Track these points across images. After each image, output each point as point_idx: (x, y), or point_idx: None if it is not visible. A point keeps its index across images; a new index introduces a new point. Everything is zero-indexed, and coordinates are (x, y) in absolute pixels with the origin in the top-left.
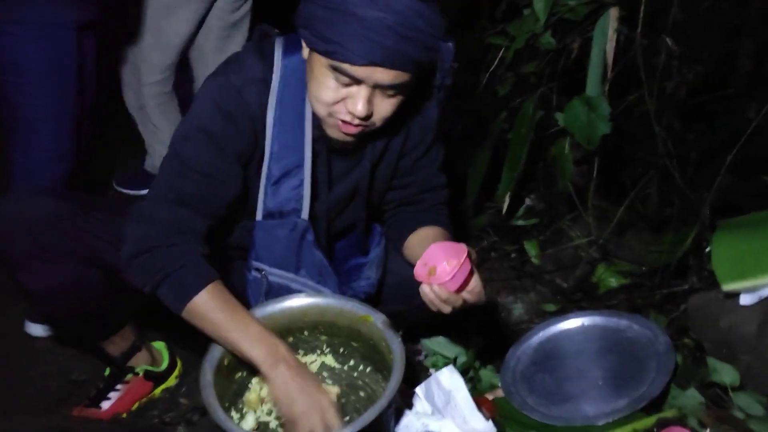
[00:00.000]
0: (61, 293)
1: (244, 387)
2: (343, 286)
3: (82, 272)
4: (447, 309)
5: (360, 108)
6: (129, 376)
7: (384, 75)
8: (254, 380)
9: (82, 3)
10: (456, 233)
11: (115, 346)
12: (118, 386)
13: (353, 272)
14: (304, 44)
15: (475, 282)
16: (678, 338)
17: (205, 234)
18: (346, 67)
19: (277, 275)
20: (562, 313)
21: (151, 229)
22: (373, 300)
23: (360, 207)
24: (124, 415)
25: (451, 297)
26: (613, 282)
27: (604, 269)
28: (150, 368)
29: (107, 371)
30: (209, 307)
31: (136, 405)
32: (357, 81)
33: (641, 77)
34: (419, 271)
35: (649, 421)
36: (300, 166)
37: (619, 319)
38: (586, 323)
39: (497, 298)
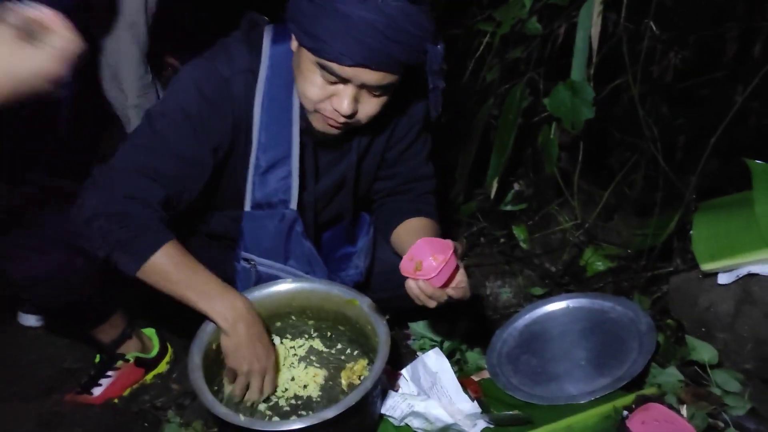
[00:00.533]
0: (47, 282)
1: None
2: (332, 275)
3: (68, 259)
4: (432, 304)
5: (345, 107)
6: (120, 363)
7: (371, 76)
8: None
9: None
10: (445, 220)
11: (105, 334)
12: (109, 373)
13: (342, 261)
14: (293, 36)
15: (461, 277)
16: (660, 319)
17: (164, 204)
18: (333, 66)
19: (266, 265)
20: (549, 296)
21: (110, 195)
22: (361, 287)
23: (347, 198)
24: (116, 401)
25: (437, 293)
26: (600, 265)
27: (591, 253)
28: (140, 355)
29: (97, 358)
30: (166, 266)
31: (127, 391)
32: (343, 80)
33: (626, 62)
34: (405, 266)
35: (629, 398)
36: (288, 156)
37: (603, 300)
38: (570, 305)
39: (486, 283)
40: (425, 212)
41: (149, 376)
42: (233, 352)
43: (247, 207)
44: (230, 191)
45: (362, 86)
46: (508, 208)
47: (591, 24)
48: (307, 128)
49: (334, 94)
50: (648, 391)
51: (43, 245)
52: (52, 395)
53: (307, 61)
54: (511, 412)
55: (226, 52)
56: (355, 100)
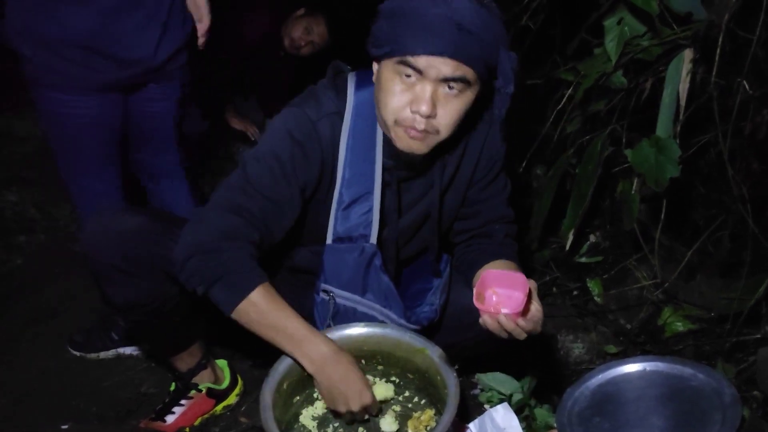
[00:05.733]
0: (142, 307)
1: (301, 409)
2: (407, 311)
3: (161, 287)
4: (504, 334)
5: (424, 107)
6: (193, 393)
7: (445, 66)
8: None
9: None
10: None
11: (183, 362)
12: (183, 402)
13: (417, 297)
14: (374, 67)
15: (535, 310)
16: (746, 390)
17: (257, 244)
18: (409, 58)
19: (344, 298)
20: (625, 355)
21: (206, 233)
22: (432, 327)
23: (431, 233)
24: (187, 430)
25: (509, 324)
26: (680, 326)
27: (670, 312)
28: (212, 386)
29: (173, 386)
30: (259, 308)
31: (198, 420)
32: (420, 73)
33: (715, 118)
34: (476, 299)
35: None
36: (370, 192)
37: (683, 366)
38: (648, 368)
39: (557, 336)
40: (508, 255)
41: (219, 408)
42: (327, 395)
43: (329, 240)
44: (314, 226)
45: (438, 81)
46: (583, 260)
47: (679, 80)
48: (391, 166)
49: (413, 100)
50: None
51: (141, 272)
52: (129, 419)
53: (387, 72)
54: None
55: (315, 98)
56: (434, 99)
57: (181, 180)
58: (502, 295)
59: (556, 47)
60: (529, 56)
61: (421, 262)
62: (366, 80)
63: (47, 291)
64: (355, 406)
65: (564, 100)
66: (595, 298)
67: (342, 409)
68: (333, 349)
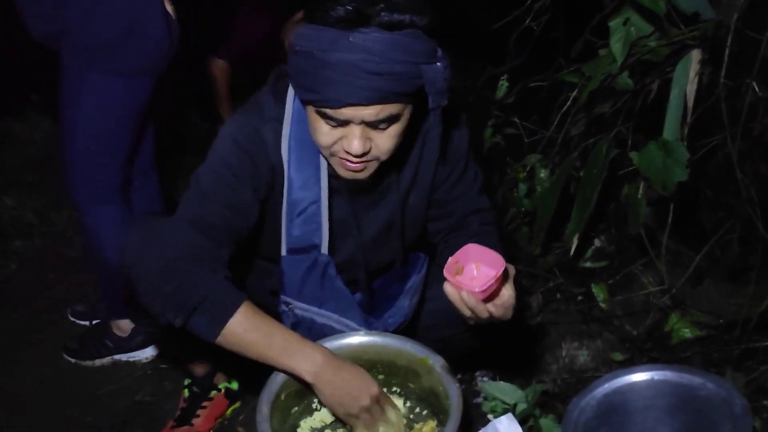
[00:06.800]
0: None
1: (299, 421)
2: (375, 319)
3: None
4: (468, 313)
5: (355, 146)
6: (213, 393)
7: (368, 112)
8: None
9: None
10: (522, 272)
11: (201, 366)
12: (204, 403)
13: (388, 302)
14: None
15: (507, 297)
16: (756, 400)
17: (226, 260)
18: (329, 111)
19: (302, 309)
20: (631, 362)
21: (171, 254)
22: (408, 330)
23: (396, 242)
24: None
25: (477, 306)
26: (688, 333)
27: (677, 319)
28: (229, 386)
29: (186, 392)
30: (244, 328)
31: (218, 422)
32: (344, 123)
33: (724, 120)
34: (449, 268)
35: None
36: (317, 201)
37: (692, 375)
38: (655, 377)
39: (562, 343)
40: (488, 243)
41: (229, 410)
42: (333, 402)
43: (283, 252)
44: (272, 239)
45: (365, 123)
46: (588, 264)
47: (687, 81)
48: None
49: (343, 137)
50: None
51: None
52: (124, 429)
53: (311, 112)
54: None
55: (257, 104)
56: (365, 137)
57: (155, 181)
58: (482, 271)
59: (560, 49)
60: (532, 59)
61: (393, 271)
62: None
63: (42, 297)
64: (365, 400)
65: (568, 102)
66: (600, 303)
67: (354, 410)
68: (327, 354)
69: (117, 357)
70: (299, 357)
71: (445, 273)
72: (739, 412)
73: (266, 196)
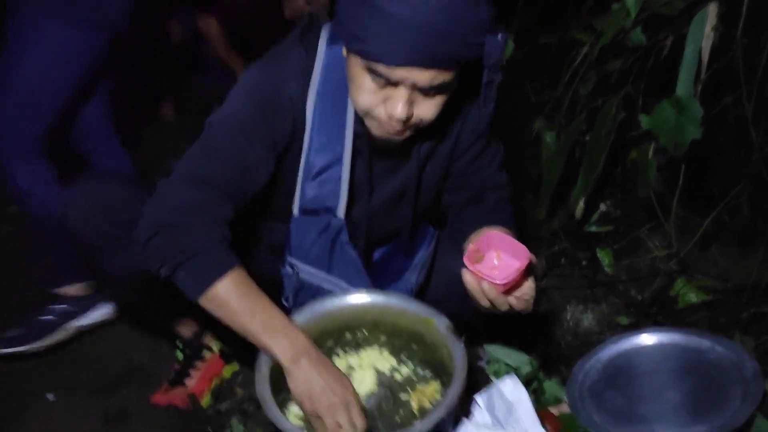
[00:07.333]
0: (139, 275)
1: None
2: (381, 290)
3: None
4: (486, 304)
5: (399, 111)
6: (207, 353)
7: (421, 75)
8: None
9: None
10: (527, 237)
11: (186, 328)
12: (197, 364)
13: (394, 276)
14: (343, 50)
15: (527, 289)
16: (766, 364)
17: (228, 220)
18: (381, 68)
19: (308, 273)
20: (636, 327)
21: (169, 208)
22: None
23: (406, 211)
24: (207, 396)
25: (498, 298)
26: (694, 297)
27: (684, 283)
28: (223, 346)
29: (179, 353)
30: (230, 295)
31: (214, 383)
32: (393, 83)
33: (738, 79)
34: (468, 256)
35: None
36: (338, 162)
37: (701, 338)
38: (663, 340)
39: (567, 306)
40: (503, 221)
41: (228, 370)
42: (305, 391)
43: (295, 212)
44: (285, 197)
45: (415, 87)
46: (593, 229)
47: (703, 37)
48: (363, 133)
49: (387, 98)
50: None
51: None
52: (120, 389)
53: (356, 66)
54: None
55: (281, 55)
56: (410, 103)
57: (115, 143)
58: (504, 260)
59: (571, 6)
60: (542, 16)
61: (399, 241)
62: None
63: (40, 259)
64: (337, 404)
65: (578, 59)
66: (606, 268)
67: (322, 409)
68: (311, 343)
69: (75, 323)
70: (281, 337)
71: (465, 261)
72: (750, 375)
73: (282, 154)
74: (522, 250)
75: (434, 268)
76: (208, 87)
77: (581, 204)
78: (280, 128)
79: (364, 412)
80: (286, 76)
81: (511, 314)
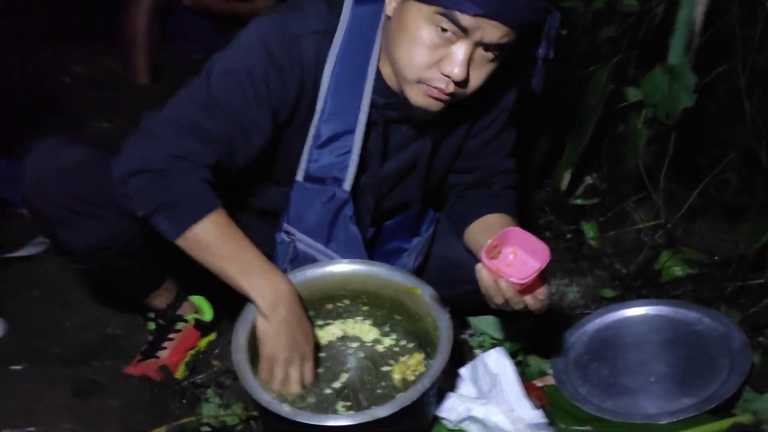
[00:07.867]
0: (104, 250)
1: None
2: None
3: (122, 225)
4: (500, 301)
5: (458, 71)
6: (181, 325)
7: (493, 31)
8: None
9: None
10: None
11: (161, 299)
12: (171, 335)
13: (390, 256)
14: None
15: (543, 288)
16: (752, 336)
17: (212, 167)
18: (456, 15)
19: (305, 243)
20: (621, 300)
21: (155, 150)
22: None
23: (415, 185)
24: (182, 368)
25: (515, 297)
26: (679, 271)
27: (668, 256)
28: (199, 317)
29: (152, 324)
30: (210, 236)
31: (189, 355)
32: (462, 34)
33: (732, 49)
34: (486, 251)
35: (722, 424)
36: (351, 131)
37: (688, 310)
38: (650, 312)
39: (552, 280)
40: (506, 208)
41: (203, 342)
42: (272, 337)
43: (299, 177)
44: (287, 162)
45: (478, 45)
46: (579, 201)
47: (696, 2)
48: (381, 103)
49: (444, 57)
50: (743, 418)
51: (97, 210)
52: (92, 361)
53: (417, 18)
54: (581, 428)
55: (301, 9)
56: (468, 63)
57: None
58: (520, 258)
59: None
60: None
61: (402, 218)
62: None
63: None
64: (294, 354)
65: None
66: (590, 241)
67: (281, 356)
68: (291, 289)
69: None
70: (262, 281)
71: (482, 257)
72: (738, 347)
73: (289, 116)
74: (542, 248)
75: (431, 251)
76: (184, 54)
77: (568, 176)
78: (287, 92)
79: (317, 366)
80: (302, 32)
81: (522, 313)
